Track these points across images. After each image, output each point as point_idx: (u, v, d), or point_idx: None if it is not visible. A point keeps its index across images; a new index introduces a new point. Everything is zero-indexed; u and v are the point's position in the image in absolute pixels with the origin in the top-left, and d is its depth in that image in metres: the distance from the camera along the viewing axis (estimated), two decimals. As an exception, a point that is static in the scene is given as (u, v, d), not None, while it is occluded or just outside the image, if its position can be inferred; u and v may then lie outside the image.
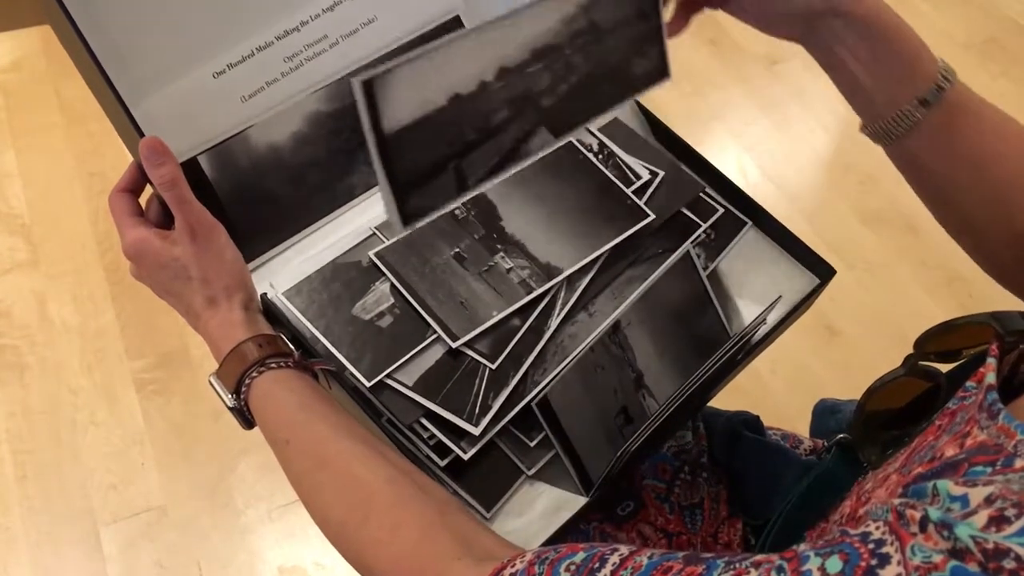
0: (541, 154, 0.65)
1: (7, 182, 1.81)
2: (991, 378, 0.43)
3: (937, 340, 0.57)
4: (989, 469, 0.37)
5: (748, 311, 0.72)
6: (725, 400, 0.82)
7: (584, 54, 0.66)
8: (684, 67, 2.00)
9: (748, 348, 0.70)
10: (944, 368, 0.58)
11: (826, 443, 0.72)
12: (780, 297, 0.72)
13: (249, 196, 0.71)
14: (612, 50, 0.69)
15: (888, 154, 0.65)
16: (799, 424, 0.94)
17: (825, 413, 0.93)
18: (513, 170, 0.63)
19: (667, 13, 0.66)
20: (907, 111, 0.61)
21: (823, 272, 0.74)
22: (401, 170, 0.59)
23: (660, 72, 0.70)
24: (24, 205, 1.78)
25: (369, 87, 0.55)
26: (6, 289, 1.65)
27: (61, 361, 1.57)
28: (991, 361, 0.45)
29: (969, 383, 0.47)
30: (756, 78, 2.08)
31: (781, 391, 1.57)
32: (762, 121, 2.01)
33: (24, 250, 1.71)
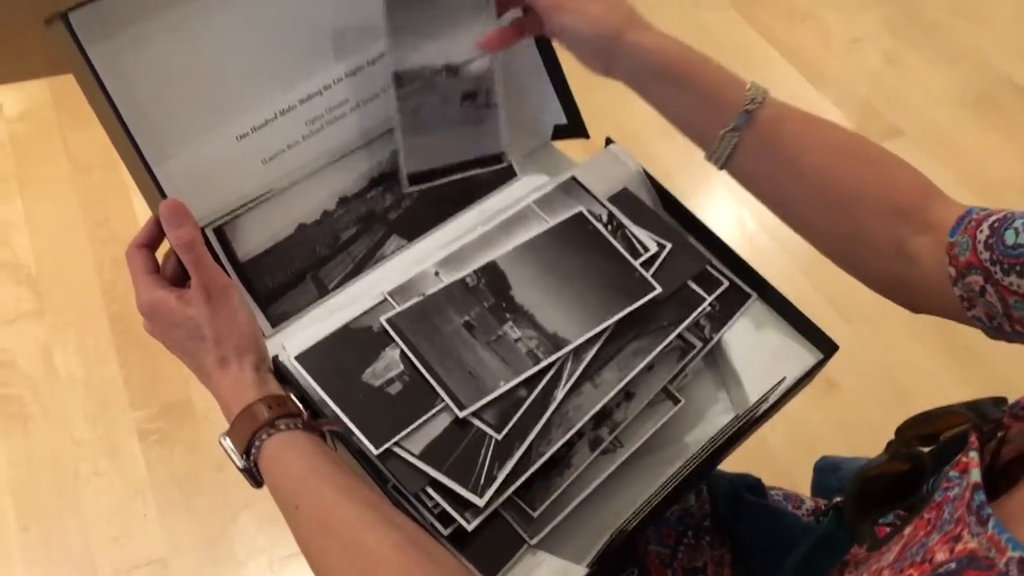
0: (397, 256, 0.78)
1: (14, 232, 1.83)
2: (976, 475, 0.44)
3: (916, 428, 0.59)
4: None
5: (751, 382, 0.74)
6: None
7: None
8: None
9: (752, 422, 0.72)
10: (927, 449, 0.60)
11: (824, 505, 0.73)
12: (784, 379, 0.73)
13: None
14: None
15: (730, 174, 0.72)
16: (798, 477, 0.95)
17: (826, 471, 0.94)
18: (370, 274, 0.76)
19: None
20: (722, 136, 0.68)
21: (826, 347, 0.75)
22: (260, 286, 0.73)
23: (500, 166, 0.81)
24: (30, 255, 1.79)
25: (221, 232, 0.71)
26: (12, 339, 1.66)
27: (65, 411, 1.57)
28: (974, 455, 0.46)
29: (952, 473, 0.48)
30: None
31: (780, 444, 1.58)
32: (760, 174, 2.03)
33: (30, 300, 1.72)
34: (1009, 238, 0.57)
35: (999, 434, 0.50)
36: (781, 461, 1.53)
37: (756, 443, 1.57)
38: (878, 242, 0.67)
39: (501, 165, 0.80)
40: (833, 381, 1.67)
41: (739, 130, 0.68)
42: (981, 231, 0.60)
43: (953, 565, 0.40)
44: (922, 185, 0.67)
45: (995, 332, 0.61)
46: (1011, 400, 0.54)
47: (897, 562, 0.47)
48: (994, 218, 0.60)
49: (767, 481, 0.87)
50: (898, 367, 1.70)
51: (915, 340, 1.73)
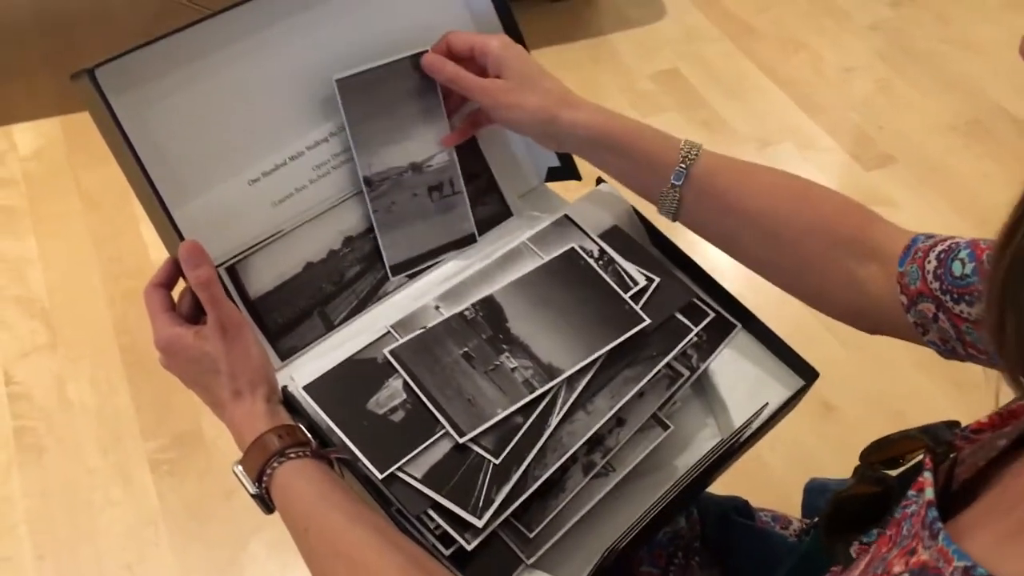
0: (400, 293, 0.82)
1: (28, 267, 1.88)
2: (929, 493, 0.47)
3: (877, 452, 0.63)
4: None
5: (736, 409, 0.78)
6: (725, 478, 0.86)
7: None
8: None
9: (737, 446, 0.75)
10: (895, 472, 0.63)
11: (805, 525, 0.76)
12: (767, 404, 0.77)
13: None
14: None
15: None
16: (797, 499, 0.98)
17: (815, 492, 0.97)
18: (374, 309, 0.81)
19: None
20: (664, 193, 0.75)
21: (807, 374, 0.79)
22: (270, 322, 0.78)
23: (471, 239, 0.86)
24: (44, 290, 1.84)
25: (233, 271, 0.76)
26: (27, 372, 1.71)
27: (79, 442, 1.61)
28: (927, 475, 0.49)
29: (911, 492, 0.51)
30: (747, 160, 2.15)
31: (779, 467, 1.61)
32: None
33: (44, 333, 1.77)
34: (956, 269, 0.61)
35: (952, 455, 0.53)
36: (780, 484, 1.56)
37: (756, 467, 1.62)
38: (826, 273, 0.72)
39: (474, 244, 0.86)
40: (831, 405, 1.71)
41: (678, 186, 0.74)
42: (929, 261, 0.64)
43: (907, 575, 0.44)
44: (859, 214, 0.72)
45: (949, 354, 0.65)
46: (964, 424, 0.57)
47: (862, 575, 0.50)
48: (940, 248, 0.64)
49: (765, 504, 0.90)
50: (895, 390, 1.73)
51: (911, 363, 1.76)
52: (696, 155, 0.74)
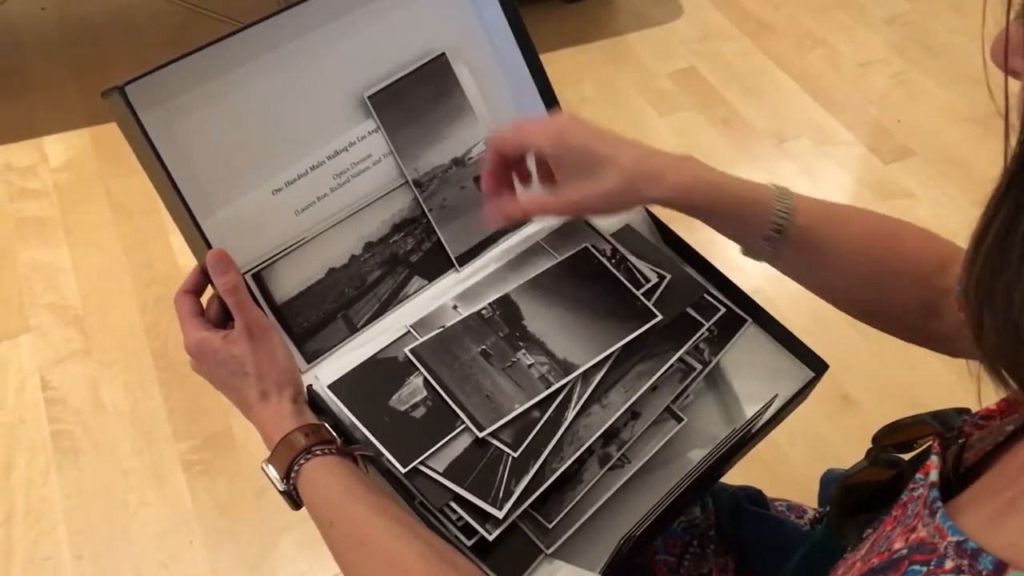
0: (419, 297, 0.83)
1: (62, 276, 1.93)
2: (934, 475, 0.49)
3: (889, 436, 0.64)
4: (924, 568, 0.43)
5: (748, 401, 0.80)
6: (745, 470, 0.88)
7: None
8: (696, 145, 2.10)
9: (749, 436, 0.77)
10: (907, 456, 0.65)
11: (817, 513, 0.78)
12: (776, 396, 0.79)
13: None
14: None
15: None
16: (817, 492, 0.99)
17: (831, 483, 0.99)
18: (396, 311, 0.82)
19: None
20: (759, 249, 0.73)
21: (816, 366, 0.81)
22: (296, 325, 0.80)
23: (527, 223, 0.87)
24: (78, 297, 1.89)
25: (259, 277, 0.78)
26: (62, 377, 1.76)
27: (114, 445, 1.65)
28: (934, 458, 0.51)
29: (918, 475, 0.53)
30: (765, 155, 2.17)
31: (800, 461, 1.63)
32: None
33: (78, 340, 1.82)
34: None
35: (960, 440, 0.55)
36: (800, 477, 1.58)
37: (775, 459, 1.63)
38: (909, 308, 0.73)
39: (529, 222, 0.88)
40: (851, 398, 1.72)
41: (774, 243, 0.72)
42: None
43: (905, 551, 0.46)
44: (942, 249, 0.73)
45: None
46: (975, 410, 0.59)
47: (867, 554, 0.53)
48: None
49: (785, 497, 0.92)
50: (914, 382, 1.74)
51: (931, 355, 1.76)
52: (789, 214, 0.71)
